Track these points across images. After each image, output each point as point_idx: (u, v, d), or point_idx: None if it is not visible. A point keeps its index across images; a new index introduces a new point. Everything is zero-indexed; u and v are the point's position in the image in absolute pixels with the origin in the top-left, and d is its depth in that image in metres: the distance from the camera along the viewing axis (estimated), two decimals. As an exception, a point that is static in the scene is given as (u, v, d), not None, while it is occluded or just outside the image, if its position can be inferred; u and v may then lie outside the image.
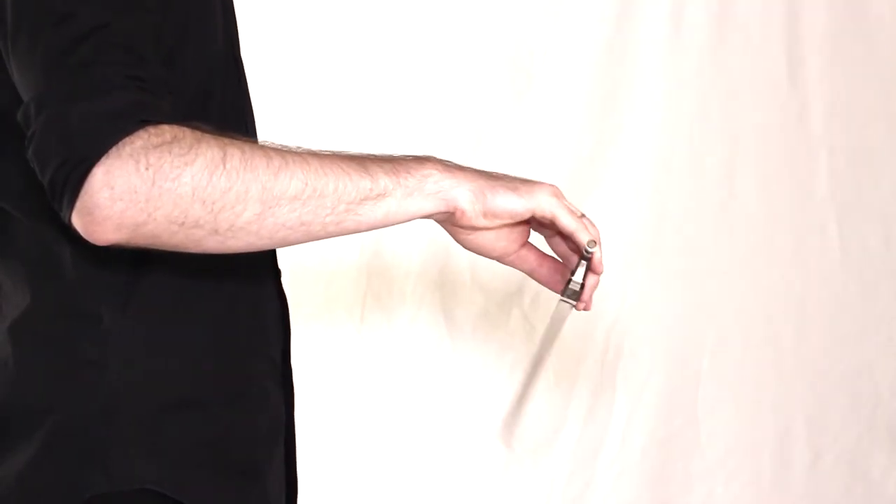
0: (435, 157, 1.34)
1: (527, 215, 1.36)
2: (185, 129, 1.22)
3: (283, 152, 1.27)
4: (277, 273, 1.54)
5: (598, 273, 1.40)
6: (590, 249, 1.38)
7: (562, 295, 1.41)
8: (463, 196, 1.33)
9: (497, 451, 2.87)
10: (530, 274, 1.44)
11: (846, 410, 2.98)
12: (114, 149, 1.19)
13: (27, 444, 1.37)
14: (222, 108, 1.44)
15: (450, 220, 1.36)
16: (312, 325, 2.75)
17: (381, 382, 2.82)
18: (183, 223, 1.22)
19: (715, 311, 2.94)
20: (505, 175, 1.37)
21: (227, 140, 1.24)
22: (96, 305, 1.37)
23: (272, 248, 1.32)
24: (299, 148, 1.29)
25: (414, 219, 1.33)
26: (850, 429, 2.98)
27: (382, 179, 1.30)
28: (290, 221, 1.26)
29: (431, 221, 1.37)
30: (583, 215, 1.39)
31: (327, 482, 2.76)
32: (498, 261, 1.43)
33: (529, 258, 1.44)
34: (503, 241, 1.41)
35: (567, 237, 1.39)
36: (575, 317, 1.44)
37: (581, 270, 1.40)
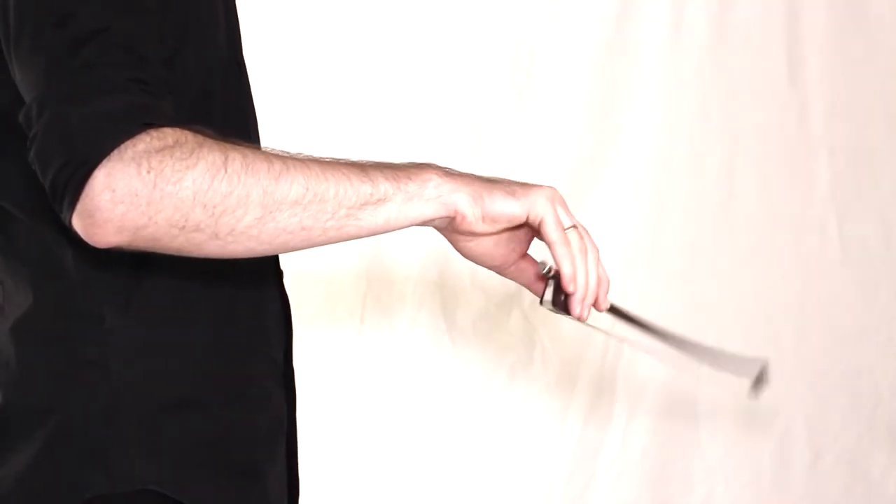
0: (434, 164, 1.35)
1: (524, 217, 1.36)
2: (186, 132, 1.23)
3: (284, 157, 1.27)
4: (279, 274, 1.54)
5: (568, 293, 1.39)
6: (541, 271, 1.38)
7: (540, 303, 1.42)
8: (462, 200, 1.33)
9: (497, 451, 2.87)
10: (528, 287, 1.44)
11: (846, 410, 2.98)
12: (115, 151, 1.19)
13: (28, 444, 1.37)
14: (224, 109, 1.44)
15: (450, 226, 1.36)
16: (313, 326, 2.74)
17: (381, 383, 2.82)
18: (184, 227, 1.22)
19: (715, 311, 2.94)
20: (504, 179, 1.37)
21: (228, 144, 1.24)
22: (98, 306, 1.37)
23: (273, 253, 1.32)
24: (300, 153, 1.29)
25: (414, 224, 1.33)
26: (850, 429, 2.98)
27: (383, 184, 1.30)
28: (290, 226, 1.26)
29: (431, 223, 1.37)
30: (573, 226, 1.38)
31: (328, 482, 2.76)
32: (497, 272, 1.44)
33: (528, 271, 1.44)
34: (502, 248, 1.41)
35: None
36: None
37: (549, 290, 1.39)
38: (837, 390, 2.98)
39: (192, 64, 1.38)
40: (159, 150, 1.20)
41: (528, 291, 2.91)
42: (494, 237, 1.39)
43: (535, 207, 1.36)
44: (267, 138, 1.47)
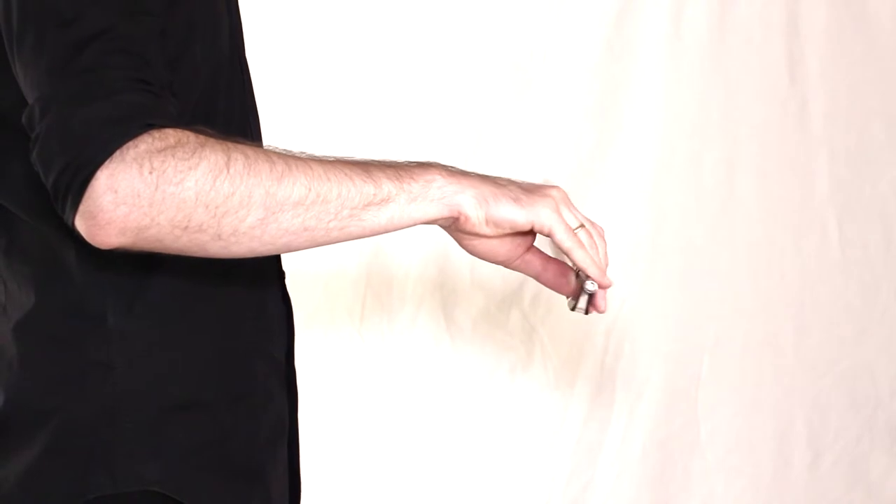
0: (438, 163, 1.34)
1: (528, 227, 1.36)
2: (188, 132, 1.22)
3: (287, 157, 1.27)
4: (282, 275, 1.54)
5: (604, 288, 1.41)
6: (588, 289, 1.39)
7: (571, 309, 1.43)
8: (467, 202, 1.33)
9: (497, 451, 2.87)
10: (536, 278, 1.44)
11: (846, 410, 2.98)
12: (117, 153, 1.19)
13: (30, 445, 1.37)
14: (227, 110, 1.44)
15: (454, 226, 1.36)
16: (313, 325, 2.75)
17: (381, 382, 2.82)
18: (186, 227, 1.22)
19: (715, 311, 2.94)
20: (510, 181, 1.37)
21: (230, 144, 1.24)
22: (101, 306, 1.37)
23: (275, 253, 1.32)
24: (303, 153, 1.29)
25: (418, 224, 1.33)
26: (850, 429, 2.98)
27: (386, 185, 1.30)
28: (293, 227, 1.26)
29: (431, 223, 1.37)
30: (581, 225, 1.38)
31: (329, 482, 2.76)
32: (502, 265, 1.43)
33: (534, 262, 1.43)
34: (507, 245, 1.41)
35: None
36: (575, 317, 1.44)
37: (584, 299, 1.40)
38: (837, 390, 2.98)
39: (195, 65, 1.38)
40: (161, 151, 1.20)
41: (528, 291, 2.94)
42: (498, 237, 1.39)
43: (540, 219, 1.36)
44: (269, 137, 1.47)
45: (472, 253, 1.40)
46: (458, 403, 2.85)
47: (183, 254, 1.25)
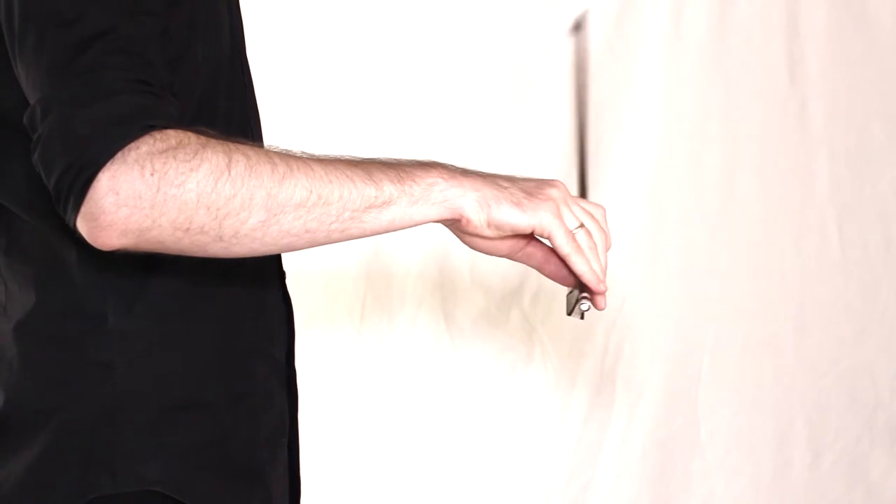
0: (440, 163, 1.34)
1: (529, 230, 1.37)
2: (190, 133, 1.22)
3: (289, 159, 1.27)
4: (282, 275, 1.54)
5: (598, 293, 1.41)
6: (582, 308, 1.40)
7: (567, 314, 1.43)
8: (469, 206, 1.33)
9: (497, 451, 2.87)
10: (538, 269, 1.44)
11: (846, 410, 2.98)
12: (119, 154, 1.19)
13: (30, 445, 1.37)
14: (228, 110, 1.44)
15: (455, 226, 1.36)
16: (313, 325, 2.75)
17: (381, 382, 2.82)
18: (188, 229, 1.22)
19: (715, 311, 2.94)
20: (511, 181, 1.37)
21: (232, 145, 1.24)
22: (101, 306, 1.37)
23: (276, 253, 1.32)
24: (304, 153, 1.29)
25: (418, 225, 1.33)
26: (850, 429, 2.98)
27: (387, 187, 1.30)
28: (294, 229, 1.26)
29: (432, 222, 1.37)
30: (581, 225, 1.38)
31: (330, 482, 2.76)
32: (505, 258, 1.43)
33: (536, 255, 1.43)
34: (508, 241, 1.41)
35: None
36: (575, 317, 1.45)
37: (584, 305, 1.41)
38: (837, 390, 2.98)
39: (197, 64, 1.38)
40: (162, 152, 1.20)
41: (528, 291, 2.94)
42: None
43: (542, 223, 1.36)
44: (269, 137, 1.47)
45: (472, 248, 1.40)
46: (458, 403, 2.85)
47: (184, 255, 1.26)
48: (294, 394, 1.56)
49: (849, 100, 2.97)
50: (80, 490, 1.35)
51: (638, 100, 2.90)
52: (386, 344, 2.83)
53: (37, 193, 1.29)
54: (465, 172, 1.35)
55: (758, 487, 2.96)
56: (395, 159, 1.34)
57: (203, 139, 1.23)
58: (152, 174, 1.19)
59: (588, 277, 1.39)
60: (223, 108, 1.43)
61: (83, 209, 1.19)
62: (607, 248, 1.41)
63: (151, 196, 1.20)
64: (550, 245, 1.39)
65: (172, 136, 1.21)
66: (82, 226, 1.21)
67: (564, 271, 1.43)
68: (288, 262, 1.55)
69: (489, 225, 1.35)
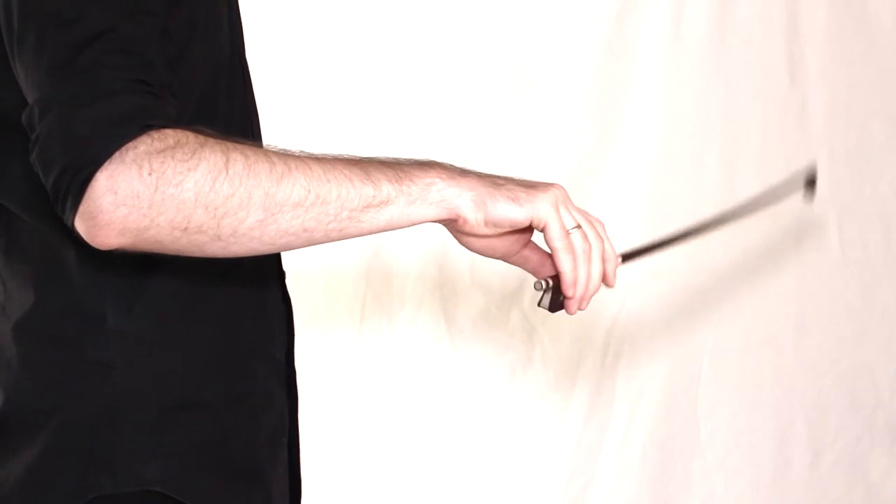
0: (438, 163, 1.34)
1: (526, 223, 1.36)
2: (188, 133, 1.22)
3: (287, 158, 1.27)
4: (282, 275, 1.54)
5: (567, 297, 1.40)
6: (536, 288, 1.39)
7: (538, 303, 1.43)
8: (465, 205, 1.33)
9: (497, 451, 2.87)
10: (534, 273, 1.44)
11: (846, 410, 2.98)
12: (117, 154, 1.19)
13: (30, 445, 1.37)
14: (227, 109, 1.44)
15: (452, 226, 1.36)
16: (313, 325, 2.74)
17: (381, 382, 2.82)
18: (186, 229, 1.22)
19: (715, 311, 2.94)
20: (510, 179, 1.37)
21: (230, 145, 1.24)
22: (100, 306, 1.37)
23: (274, 252, 1.32)
24: (302, 152, 1.29)
25: (416, 225, 1.33)
26: (850, 429, 2.98)
27: (385, 187, 1.30)
28: (292, 228, 1.26)
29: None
30: (578, 226, 1.38)
31: (330, 482, 2.76)
32: (501, 260, 1.44)
33: (532, 258, 1.44)
34: (505, 242, 1.41)
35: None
36: (575, 317, 1.44)
37: (547, 297, 1.40)
38: (837, 390, 2.98)
39: (196, 64, 1.38)
40: (160, 152, 1.20)
41: (528, 292, 2.93)
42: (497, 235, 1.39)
43: (538, 214, 1.36)
44: (269, 137, 1.47)
45: (468, 248, 1.40)
46: (458, 403, 2.85)
47: (182, 254, 1.25)
48: (294, 394, 1.56)
49: (849, 100, 2.97)
50: (79, 490, 1.36)
51: (638, 100, 2.90)
52: (386, 344, 2.82)
53: (36, 193, 1.29)
54: (464, 172, 1.35)
55: (758, 487, 2.96)
56: (394, 159, 1.34)
57: (201, 138, 1.23)
58: (150, 173, 1.19)
59: (567, 278, 1.38)
60: (223, 107, 1.43)
61: (81, 208, 1.19)
62: (606, 261, 1.41)
63: (149, 195, 1.20)
64: (545, 240, 1.39)
65: (170, 135, 1.21)
66: (80, 225, 1.21)
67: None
68: (288, 261, 1.55)
69: (486, 223, 1.35)
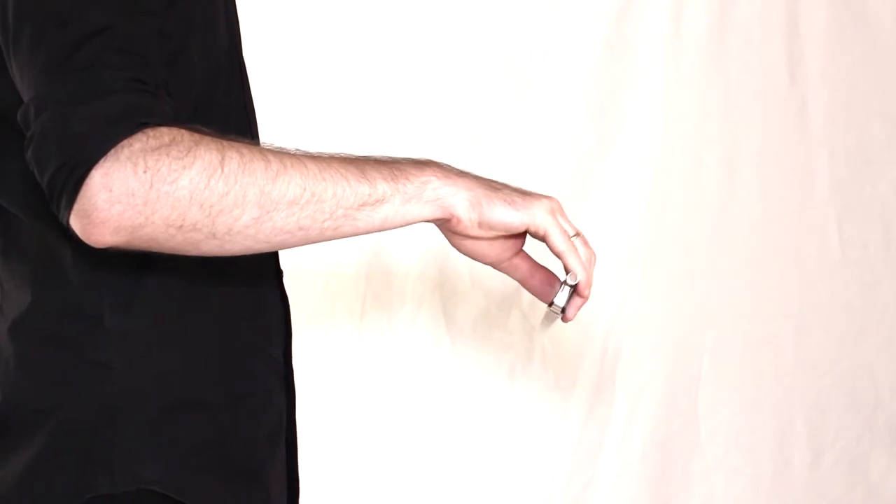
0: (434, 162, 1.34)
1: (521, 229, 1.36)
2: (183, 131, 1.22)
3: (282, 156, 1.27)
4: (279, 273, 1.54)
5: (583, 297, 1.40)
6: (569, 282, 1.39)
7: (547, 308, 1.43)
8: (460, 205, 1.33)
9: (497, 451, 2.87)
10: (521, 283, 1.44)
11: (846, 410, 2.98)
12: (112, 152, 1.19)
13: (28, 444, 1.37)
14: (225, 108, 1.44)
15: (445, 226, 1.36)
16: (312, 324, 2.74)
17: (381, 382, 2.82)
18: (181, 226, 1.22)
19: (715, 311, 2.94)
20: (505, 185, 1.37)
21: (225, 143, 1.24)
22: (98, 306, 1.37)
23: (270, 251, 1.32)
24: (298, 150, 1.29)
25: (411, 224, 1.33)
26: (850, 429, 2.98)
27: (381, 185, 1.30)
28: (288, 226, 1.26)
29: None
30: (577, 234, 1.38)
31: (329, 482, 2.76)
32: (491, 266, 1.44)
33: (522, 267, 1.44)
34: (496, 248, 1.41)
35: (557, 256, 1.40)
36: (575, 317, 1.44)
37: (564, 294, 1.40)
38: (837, 390, 2.98)
39: (194, 63, 1.38)
40: (155, 150, 1.20)
41: (527, 292, 2.92)
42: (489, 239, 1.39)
43: (536, 220, 1.36)
44: (267, 136, 1.47)
45: (461, 251, 1.40)
46: (457, 403, 2.85)
47: (177, 252, 1.25)
48: (292, 393, 1.56)
49: (849, 100, 2.97)
50: (77, 490, 1.35)
51: (638, 100, 2.90)
52: (386, 344, 2.82)
53: (33, 193, 1.28)
54: (461, 173, 1.35)
55: (758, 487, 2.96)
56: (391, 157, 1.34)
57: (196, 136, 1.23)
58: (145, 171, 1.19)
59: (582, 278, 1.38)
60: (220, 106, 1.43)
61: (76, 206, 1.19)
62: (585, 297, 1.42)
63: (144, 193, 1.20)
64: (548, 247, 1.39)
65: (166, 133, 1.21)
66: (75, 223, 1.21)
67: (547, 288, 1.43)
68: (287, 261, 1.55)
69: (480, 225, 1.35)
